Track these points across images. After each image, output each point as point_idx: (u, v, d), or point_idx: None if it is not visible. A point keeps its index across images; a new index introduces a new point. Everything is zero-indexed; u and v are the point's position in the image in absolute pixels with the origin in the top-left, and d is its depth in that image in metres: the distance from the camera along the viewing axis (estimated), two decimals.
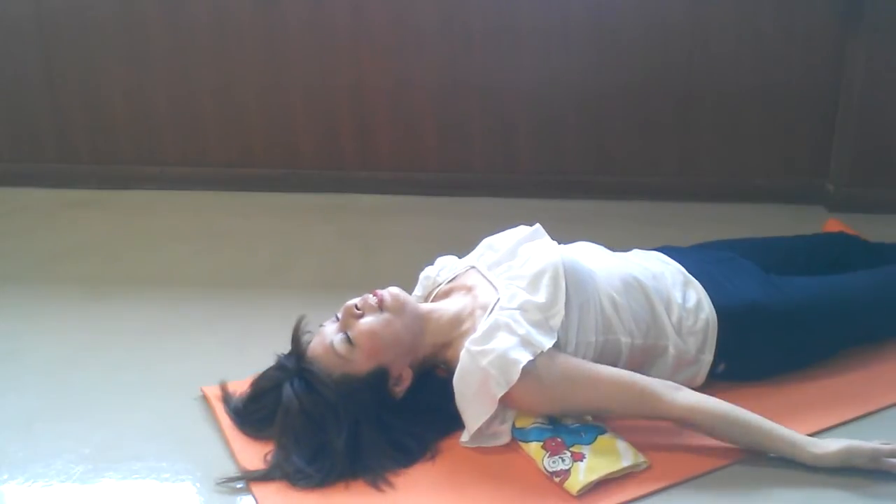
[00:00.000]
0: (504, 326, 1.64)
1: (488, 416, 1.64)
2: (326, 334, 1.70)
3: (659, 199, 2.92)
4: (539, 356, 1.61)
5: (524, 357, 1.60)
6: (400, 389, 1.70)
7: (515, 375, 1.59)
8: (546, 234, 1.88)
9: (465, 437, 1.67)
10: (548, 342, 1.63)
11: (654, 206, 2.90)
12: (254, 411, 1.72)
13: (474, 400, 1.64)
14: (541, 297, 1.68)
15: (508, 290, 1.71)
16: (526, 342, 1.62)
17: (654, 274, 1.84)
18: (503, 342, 1.62)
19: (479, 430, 1.66)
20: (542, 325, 1.65)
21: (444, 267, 1.96)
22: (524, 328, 1.64)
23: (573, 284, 1.70)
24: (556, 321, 1.66)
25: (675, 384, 1.66)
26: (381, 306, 1.69)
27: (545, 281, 1.69)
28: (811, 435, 1.68)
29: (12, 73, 3.04)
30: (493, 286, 1.77)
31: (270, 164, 3.07)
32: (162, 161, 3.10)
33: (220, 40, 2.94)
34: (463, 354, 1.65)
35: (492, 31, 2.85)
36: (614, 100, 2.88)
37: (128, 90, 3.03)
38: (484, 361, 1.61)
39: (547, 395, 1.64)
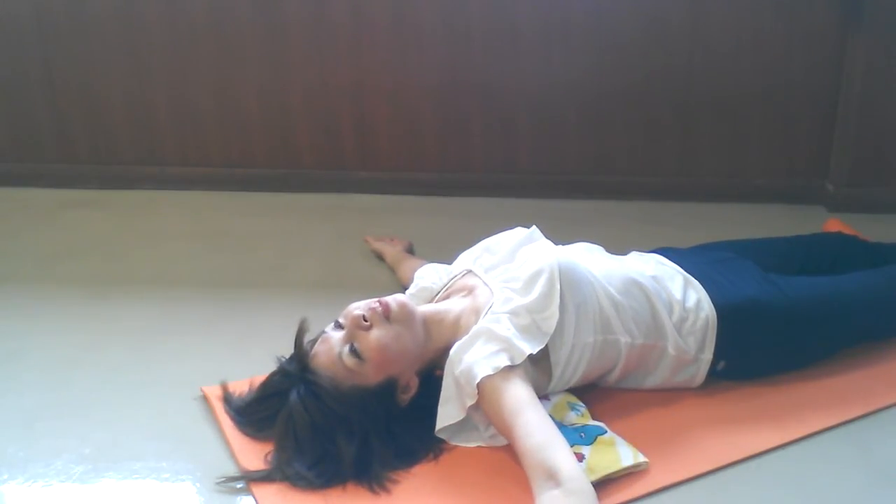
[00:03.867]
0: (485, 333, 1.64)
1: (456, 420, 1.64)
2: (332, 344, 1.66)
3: (659, 199, 2.92)
4: (499, 373, 1.58)
5: (483, 372, 1.58)
6: (407, 397, 1.69)
7: (474, 389, 1.59)
8: (542, 236, 1.88)
9: (439, 431, 1.67)
10: (528, 349, 1.61)
11: (654, 206, 2.90)
12: (256, 412, 1.71)
13: (448, 403, 1.65)
14: (532, 299, 1.67)
15: (503, 294, 1.71)
16: (501, 351, 1.61)
17: (654, 275, 1.84)
18: (477, 353, 1.61)
19: (478, 432, 1.67)
20: (529, 330, 1.65)
21: (431, 275, 1.96)
22: (508, 332, 1.63)
23: (569, 285, 1.69)
24: (550, 324, 1.65)
25: (555, 482, 1.41)
26: (387, 316, 1.66)
27: (540, 283, 1.69)
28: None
29: (12, 73, 3.04)
30: (490, 289, 1.77)
31: (270, 164, 3.07)
32: (162, 161, 3.10)
33: (220, 40, 2.94)
34: (448, 359, 1.66)
35: (492, 31, 2.85)
36: (614, 100, 2.89)
37: (128, 90, 3.03)
38: (457, 370, 1.62)
39: (496, 414, 1.58)
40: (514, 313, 1.66)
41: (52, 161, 3.13)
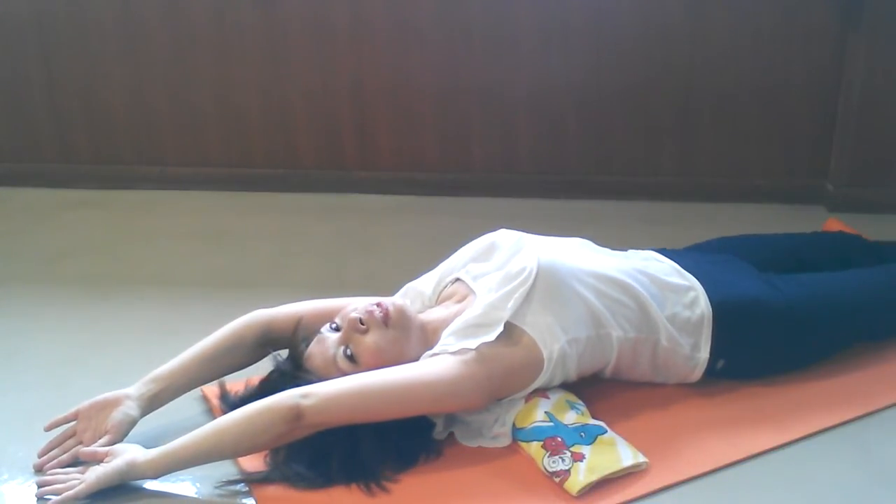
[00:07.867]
0: (456, 332, 1.68)
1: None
2: (328, 346, 1.68)
3: (659, 199, 2.92)
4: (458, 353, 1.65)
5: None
6: None
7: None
8: (528, 241, 1.87)
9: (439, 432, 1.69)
10: (473, 344, 1.64)
11: (654, 206, 2.89)
12: None
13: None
14: (478, 310, 1.69)
15: (485, 299, 1.72)
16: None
17: (647, 270, 1.83)
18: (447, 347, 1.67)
19: (479, 433, 1.68)
20: (476, 333, 1.66)
21: (419, 286, 1.96)
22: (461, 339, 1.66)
23: (550, 288, 1.70)
24: (490, 335, 1.65)
25: (304, 392, 1.56)
26: (385, 321, 1.67)
27: (508, 289, 1.70)
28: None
29: (12, 73, 3.04)
30: (475, 295, 1.77)
31: (270, 165, 3.07)
32: (162, 161, 3.10)
33: (221, 41, 2.94)
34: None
35: (492, 31, 2.85)
36: (614, 100, 2.88)
37: (128, 90, 3.03)
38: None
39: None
40: (466, 321, 1.68)
41: (52, 161, 3.13)
